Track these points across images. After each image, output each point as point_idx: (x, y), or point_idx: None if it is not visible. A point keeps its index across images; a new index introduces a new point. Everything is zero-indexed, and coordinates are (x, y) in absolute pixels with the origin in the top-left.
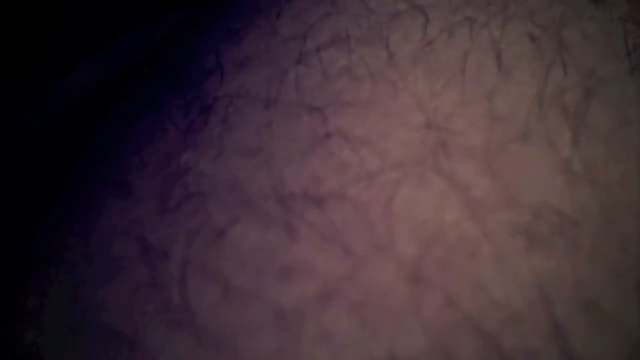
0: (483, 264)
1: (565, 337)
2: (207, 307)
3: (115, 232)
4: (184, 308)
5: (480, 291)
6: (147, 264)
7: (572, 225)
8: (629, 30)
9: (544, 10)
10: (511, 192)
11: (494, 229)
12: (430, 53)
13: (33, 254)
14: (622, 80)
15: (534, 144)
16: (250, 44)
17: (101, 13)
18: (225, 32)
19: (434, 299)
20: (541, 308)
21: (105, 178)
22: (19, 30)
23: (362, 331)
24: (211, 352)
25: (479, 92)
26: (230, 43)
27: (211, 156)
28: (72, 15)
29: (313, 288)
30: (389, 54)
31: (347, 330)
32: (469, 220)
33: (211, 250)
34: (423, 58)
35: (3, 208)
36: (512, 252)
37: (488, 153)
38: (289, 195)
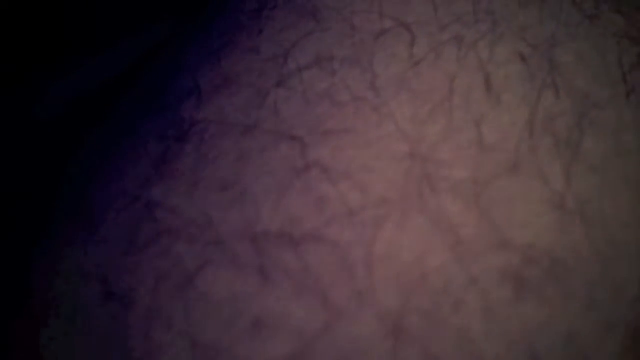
0: (469, 316)
1: None
2: None
3: (80, 273)
4: None
5: (466, 348)
6: (110, 313)
7: (564, 270)
8: (624, 48)
9: (535, 28)
10: (500, 233)
11: (482, 275)
12: (416, 75)
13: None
14: (617, 104)
15: (524, 177)
16: (230, 63)
17: (77, 27)
18: (205, 51)
19: (416, 358)
20: None
21: (74, 212)
22: None
23: None
24: None
25: (467, 119)
26: (210, 62)
27: (184, 189)
28: (48, 30)
29: (286, 345)
30: (373, 76)
31: None
32: (455, 265)
33: (179, 299)
34: (409, 81)
35: None
36: (500, 302)
37: (476, 188)
38: (264, 235)
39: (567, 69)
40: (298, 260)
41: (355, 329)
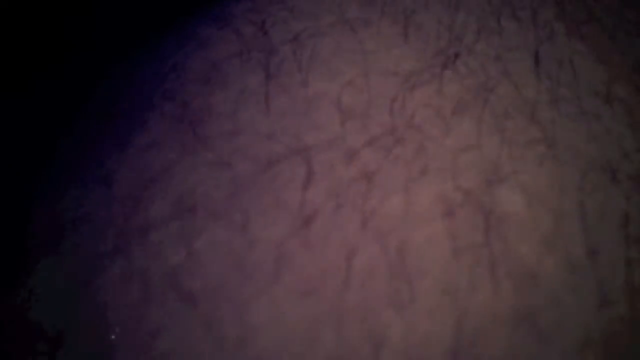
0: None
1: None
2: None
3: None
4: None
5: None
6: None
7: None
8: (587, 190)
9: (470, 152)
10: None
11: None
12: (305, 245)
13: None
14: (580, 304)
15: None
16: (77, 195)
17: None
18: (64, 180)
19: None
20: None
21: None
22: None
23: None
24: None
25: (363, 334)
26: (66, 196)
27: None
28: None
29: None
30: (246, 243)
31: None
32: None
33: None
34: (292, 256)
35: None
36: None
37: None
38: None
39: (509, 228)
40: None
41: None
